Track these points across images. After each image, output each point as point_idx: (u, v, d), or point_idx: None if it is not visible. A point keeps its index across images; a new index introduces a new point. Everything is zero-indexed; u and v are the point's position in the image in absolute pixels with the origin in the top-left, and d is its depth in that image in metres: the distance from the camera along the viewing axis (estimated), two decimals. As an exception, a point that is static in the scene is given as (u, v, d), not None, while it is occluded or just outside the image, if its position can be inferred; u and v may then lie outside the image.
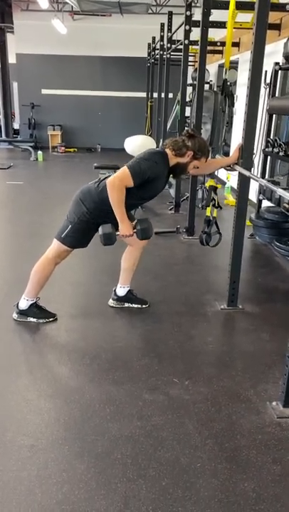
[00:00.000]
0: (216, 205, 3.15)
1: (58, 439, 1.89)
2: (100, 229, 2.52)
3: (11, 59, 11.80)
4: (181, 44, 4.98)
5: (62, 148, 11.41)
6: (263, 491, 1.67)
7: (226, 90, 3.19)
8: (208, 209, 3.18)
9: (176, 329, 2.83)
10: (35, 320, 2.81)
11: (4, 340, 2.65)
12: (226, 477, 1.73)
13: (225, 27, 5.25)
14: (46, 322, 2.81)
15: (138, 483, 1.69)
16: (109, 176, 2.67)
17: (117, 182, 2.46)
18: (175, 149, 2.58)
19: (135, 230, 2.56)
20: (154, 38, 8.87)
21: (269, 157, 4.57)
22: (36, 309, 2.83)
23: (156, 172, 2.55)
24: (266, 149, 4.42)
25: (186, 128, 5.77)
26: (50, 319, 2.84)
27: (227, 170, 3.04)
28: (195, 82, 7.10)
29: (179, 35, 5.70)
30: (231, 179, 6.38)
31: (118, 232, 2.55)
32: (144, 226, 2.55)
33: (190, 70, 8.28)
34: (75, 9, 8.19)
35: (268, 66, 3.23)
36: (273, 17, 4.85)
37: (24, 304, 2.81)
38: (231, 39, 3.20)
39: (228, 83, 4.40)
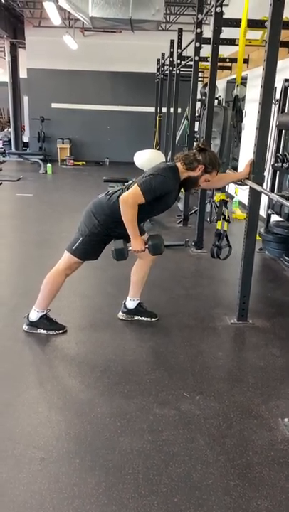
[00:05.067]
0: (226, 218, 3.17)
1: (69, 453, 1.88)
2: (113, 244, 2.55)
3: (22, 74, 12.04)
4: (191, 60, 5.05)
5: (71, 161, 11.53)
6: (277, 510, 1.64)
7: (237, 106, 3.24)
8: (219, 222, 3.20)
9: (186, 343, 2.82)
10: (45, 332, 2.81)
11: (14, 352, 2.65)
12: (238, 494, 1.70)
13: (234, 44, 5.34)
14: (56, 334, 2.81)
15: (150, 499, 1.67)
16: (118, 189, 2.70)
17: (130, 200, 2.50)
18: (186, 163, 2.60)
19: (147, 246, 2.58)
20: (163, 54, 9.02)
21: (278, 172, 4.59)
22: (46, 321, 2.83)
23: (168, 187, 2.58)
24: (276, 164, 4.44)
25: (195, 143, 5.84)
26: (60, 331, 2.84)
27: (238, 185, 3.06)
28: (204, 98, 7.20)
29: (188, 52, 5.80)
30: (239, 193, 6.41)
31: (130, 248, 2.57)
32: (155, 242, 2.58)
33: (198, 85, 8.41)
34: (86, 26, 8.34)
35: (277, 83, 3.28)
36: (283, 35, 4.91)
37: (35, 315, 2.82)
38: (243, 56, 3.25)
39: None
